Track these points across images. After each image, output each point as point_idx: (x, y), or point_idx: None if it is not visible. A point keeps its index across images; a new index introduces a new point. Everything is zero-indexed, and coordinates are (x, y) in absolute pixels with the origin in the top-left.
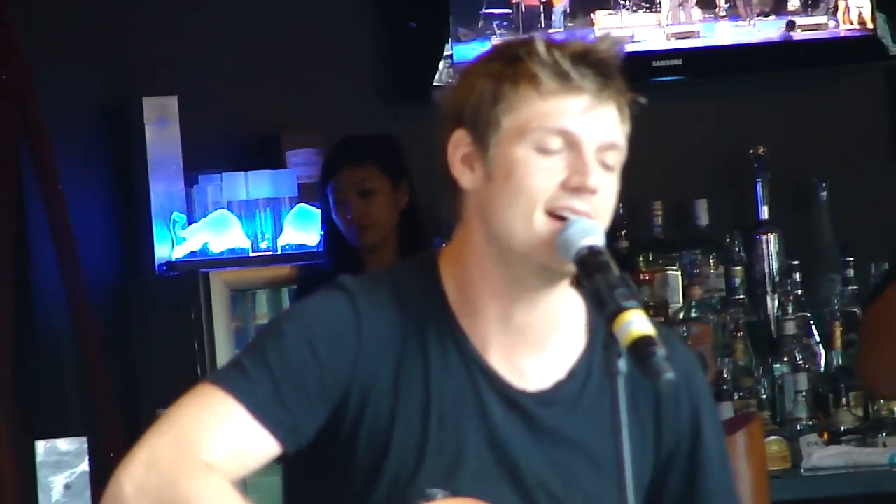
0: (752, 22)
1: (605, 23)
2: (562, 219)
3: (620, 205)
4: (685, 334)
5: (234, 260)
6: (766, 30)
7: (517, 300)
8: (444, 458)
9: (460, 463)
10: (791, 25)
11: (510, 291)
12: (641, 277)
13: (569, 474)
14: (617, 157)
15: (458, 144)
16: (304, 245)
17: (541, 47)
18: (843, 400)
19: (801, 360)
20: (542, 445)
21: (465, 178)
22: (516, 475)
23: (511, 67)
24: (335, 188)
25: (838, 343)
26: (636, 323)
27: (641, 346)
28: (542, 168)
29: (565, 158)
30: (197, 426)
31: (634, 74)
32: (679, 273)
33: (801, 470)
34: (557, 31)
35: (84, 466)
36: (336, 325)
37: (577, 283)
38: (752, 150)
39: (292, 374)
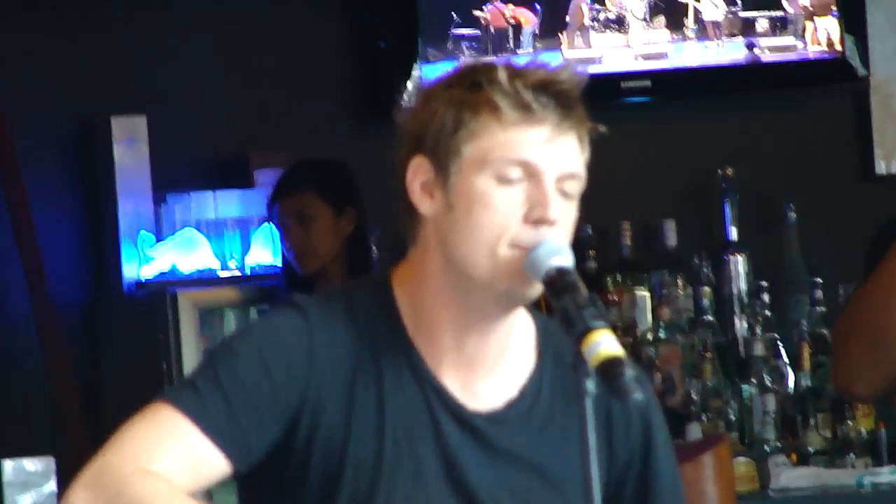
0: (720, 43)
1: (573, 44)
2: (524, 250)
3: (588, 226)
4: (653, 355)
5: (203, 279)
6: (735, 51)
7: (470, 327)
8: (400, 478)
9: (415, 484)
10: (751, 46)
11: (464, 318)
12: (610, 298)
13: (522, 494)
14: (576, 186)
15: (418, 171)
16: (273, 265)
17: (502, 76)
18: (812, 421)
19: (769, 381)
20: (495, 465)
21: (425, 205)
22: (470, 496)
23: (472, 95)
24: (278, 214)
25: (807, 364)
26: (604, 343)
27: (610, 367)
28: (503, 200)
29: (525, 190)
30: (147, 443)
31: (602, 95)
32: (647, 294)
33: (770, 491)
34: (526, 51)
35: (51, 486)
36: (289, 344)
37: (546, 304)
38: (720, 171)
39: (244, 393)
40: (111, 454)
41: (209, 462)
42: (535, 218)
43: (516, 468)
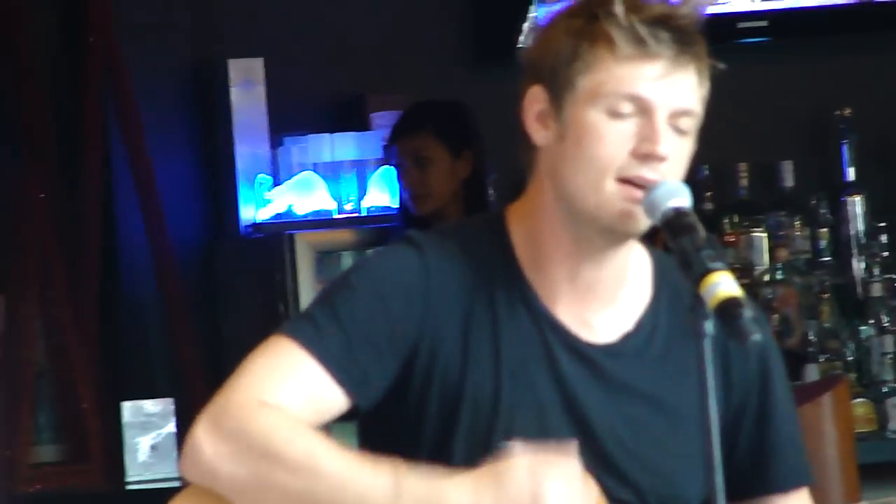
0: None
1: None
2: (631, 184)
3: (705, 167)
4: (770, 296)
5: (320, 222)
6: None
7: (585, 258)
8: (517, 410)
9: (533, 415)
10: None
11: (578, 249)
12: (727, 239)
13: (638, 424)
14: (691, 123)
15: (534, 101)
16: (389, 207)
17: (619, 9)
18: None
19: (887, 321)
20: (611, 397)
21: (539, 135)
22: (586, 426)
23: (589, 26)
24: (395, 155)
25: None
26: (723, 284)
27: (729, 308)
28: (613, 133)
29: (636, 124)
30: (268, 378)
31: (719, 36)
32: (765, 235)
33: (888, 432)
34: None
35: (170, 428)
36: (405, 279)
37: (664, 244)
38: (837, 112)
39: (362, 327)
40: (233, 389)
41: (328, 396)
42: (644, 152)
43: (632, 400)
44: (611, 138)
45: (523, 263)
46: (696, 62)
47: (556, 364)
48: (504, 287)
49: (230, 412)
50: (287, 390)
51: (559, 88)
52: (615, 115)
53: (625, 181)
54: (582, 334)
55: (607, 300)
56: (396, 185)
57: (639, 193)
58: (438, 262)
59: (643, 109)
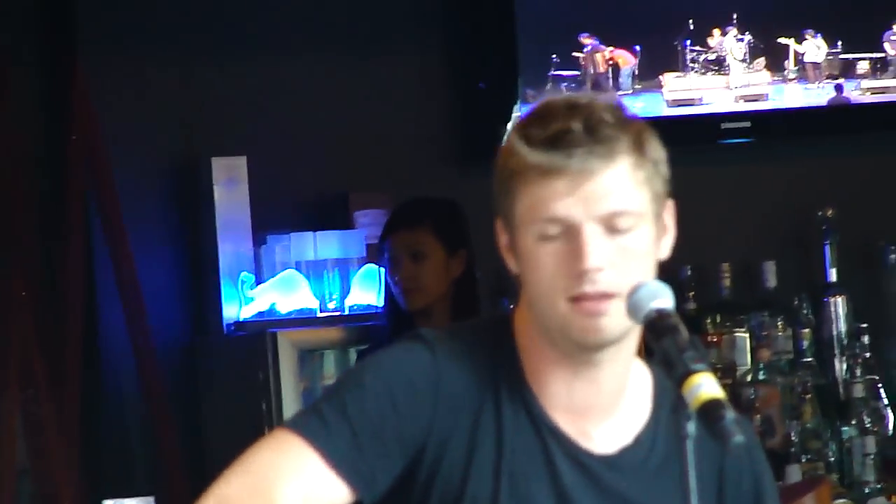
0: (820, 84)
1: (673, 85)
2: (581, 299)
3: (688, 267)
4: (753, 397)
5: (302, 320)
6: (834, 93)
7: (575, 373)
8: None
9: None
10: (840, 89)
11: (568, 363)
12: (709, 340)
13: None
14: (631, 220)
15: (499, 232)
16: (372, 305)
17: (514, 138)
18: None
19: (869, 422)
20: None
21: (510, 263)
22: None
23: (504, 162)
24: (389, 248)
25: None
26: (705, 386)
27: (711, 409)
28: (546, 257)
29: (565, 241)
30: (270, 471)
31: (703, 136)
32: (747, 335)
33: None
34: (626, 92)
35: None
36: (416, 377)
37: (646, 347)
38: (820, 213)
39: (371, 424)
40: (237, 479)
41: (332, 494)
42: (576, 272)
43: None
44: (546, 262)
45: (526, 369)
46: (617, 155)
47: (556, 472)
48: (509, 392)
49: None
50: (290, 485)
51: (507, 219)
52: (545, 238)
53: (573, 299)
54: (582, 444)
55: (606, 413)
56: (381, 283)
57: (589, 306)
58: (449, 362)
59: (566, 227)
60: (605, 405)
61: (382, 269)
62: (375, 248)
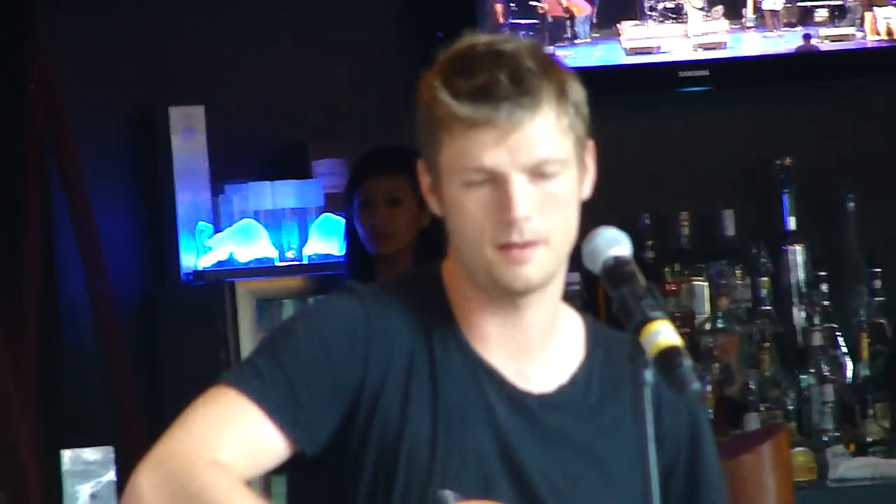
0: (779, 33)
1: (631, 33)
2: (508, 247)
3: (646, 215)
4: (711, 345)
5: (261, 270)
6: (793, 41)
7: (504, 316)
8: (454, 459)
9: (470, 464)
10: (809, 36)
11: (496, 306)
12: (668, 288)
13: (573, 475)
14: (557, 167)
15: (422, 174)
16: (330, 255)
17: (440, 92)
18: (870, 411)
19: (827, 371)
20: (548, 447)
21: (434, 205)
22: (522, 474)
23: (427, 110)
24: (364, 192)
25: (865, 354)
26: (663, 333)
27: (669, 357)
28: (472, 205)
29: (491, 189)
30: (210, 426)
31: (661, 85)
32: (706, 284)
33: (828, 481)
34: (583, 41)
35: (110, 476)
36: (348, 326)
37: (604, 294)
38: (778, 161)
39: (305, 373)
40: (176, 438)
41: (271, 443)
42: (503, 220)
43: (568, 451)
44: (471, 211)
45: (458, 316)
46: (541, 105)
47: (493, 412)
48: (442, 337)
49: (172, 462)
50: (229, 440)
51: (430, 165)
52: (471, 185)
53: (500, 247)
54: (518, 383)
55: (540, 352)
56: (346, 228)
57: (516, 254)
58: (379, 311)
59: (493, 176)
60: (537, 345)
61: (347, 215)
62: (339, 199)
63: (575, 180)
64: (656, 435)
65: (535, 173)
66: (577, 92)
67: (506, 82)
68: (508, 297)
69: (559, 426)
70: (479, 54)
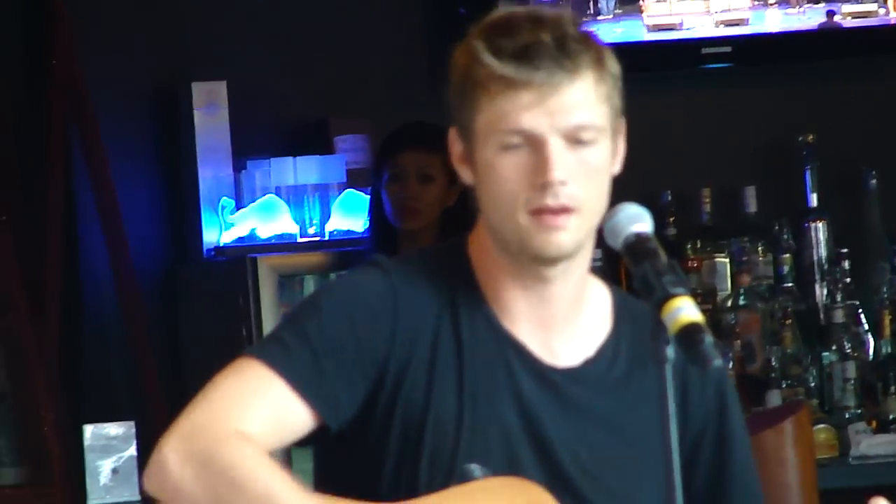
0: (801, 9)
1: (654, 10)
2: (543, 212)
3: (668, 192)
4: (733, 322)
5: (282, 245)
6: (816, 17)
7: (531, 287)
8: (479, 433)
9: (495, 439)
10: (832, 13)
11: (523, 277)
12: (689, 265)
13: (599, 449)
14: (593, 133)
15: (453, 142)
16: (352, 231)
17: (479, 48)
18: (892, 388)
19: (849, 348)
20: (573, 421)
21: (465, 174)
22: (547, 449)
23: (465, 72)
24: (396, 165)
25: (887, 331)
26: (685, 310)
27: (690, 333)
28: (508, 169)
29: (529, 153)
30: (235, 398)
31: (683, 61)
32: (727, 260)
33: (850, 458)
34: (606, 17)
35: (132, 451)
36: (374, 300)
37: (626, 270)
38: (801, 138)
39: (331, 347)
40: (201, 410)
41: (297, 417)
42: (539, 182)
43: (593, 425)
44: (507, 174)
45: (485, 289)
46: (581, 70)
47: (518, 387)
48: (468, 311)
49: (199, 434)
50: (253, 412)
51: (465, 130)
52: (508, 148)
53: (534, 212)
54: (545, 358)
55: (567, 326)
56: (373, 199)
57: (550, 220)
58: (405, 285)
59: (531, 139)
60: (564, 318)
61: (373, 188)
62: (361, 175)
63: (609, 151)
64: (683, 409)
65: (572, 139)
66: (615, 65)
67: (548, 44)
68: (539, 265)
69: (585, 400)
70: (520, 18)
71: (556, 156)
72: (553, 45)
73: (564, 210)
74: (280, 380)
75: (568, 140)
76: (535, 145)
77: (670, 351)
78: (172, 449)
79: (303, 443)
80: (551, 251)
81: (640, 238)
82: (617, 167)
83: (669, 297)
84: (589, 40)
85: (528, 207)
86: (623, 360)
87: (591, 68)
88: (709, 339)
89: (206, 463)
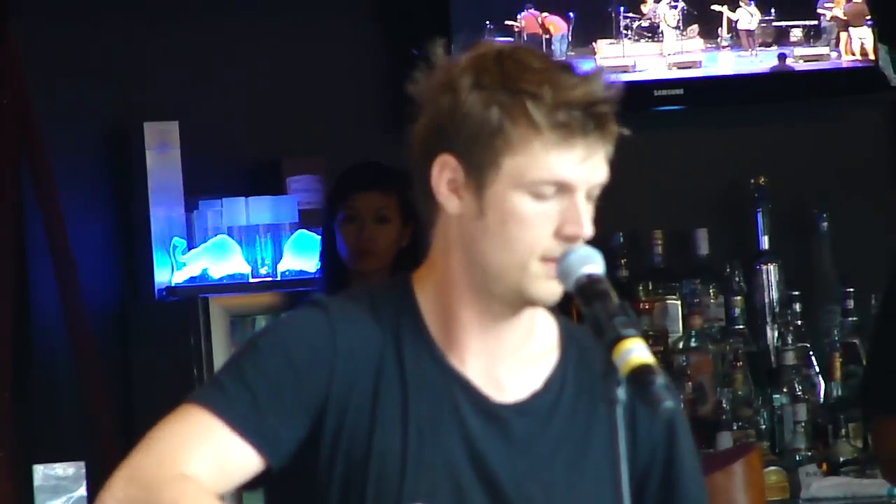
0: (753, 52)
1: (606, 52)
2: (554, 261)
3: (620, 234)
4: (684, 364)
5: (234, 286)
6: (768, 60)
7: (492, 322)
8: (425, 471)
9: (441, 475)
10: (783, 57)
11: (487, 315)
12: (641, 306)
13: (548, 484)
14: (599, 190)
15: (445, 168)
16: (304, 271)
17: (546, 93)
18: (843, 431)
19: (800, 390)
20: (521, 456)
21: (451, 204)
22: (496, 486)
23: (512, 102)
24: (351, 206)
25: (838, 374)
26: (636, 351)
27: (641, 375)
28: (537, 217)
29: (558, 204)
30: (177, 443)
31: (635, 103)
32: (679, 302)
33: (800, 501)
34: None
35: (82, 491)
36: (312, 338)
37: (576, 311)
38: (752, 180)
39: (269, 387)
40: (143, 455)
41: (240, 458)
42: (569, 234)
43: (542, 458)
44: (535, 221)
45: (431, 326)
46: (613, 132)
47: (465, 423)
48: (413, 347)
49: (141, 478)
50: (197, 456)
51: (480, 164)
52: (539, 197)
53: (548, 260)
54: (491, 393)
55: (515, 359)
56: (324, 240)
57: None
58: (345, 322)
59: (565, 191)
60: (512, 352)
61: (325, 228)
62: (313, 215)
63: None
64: (632, 438)
65: (590, 195)
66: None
67: (607, 105)
68: (520, 307)
69: (532, 433)
70: (560, 65)
71: (584, 210)
72: (606, 102)
73: None
74: (220, 422)
75: (587, 196)
76: (568, 197)
77: (621, 392)
78: (115, 492)
79: (251, 486)
80: (549, 298)
81: (591, 279)
82: None
83: (620, 338)
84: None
85: (545, 255)
86: (570, 390)
87: (614, 135)
88: (660, 380)
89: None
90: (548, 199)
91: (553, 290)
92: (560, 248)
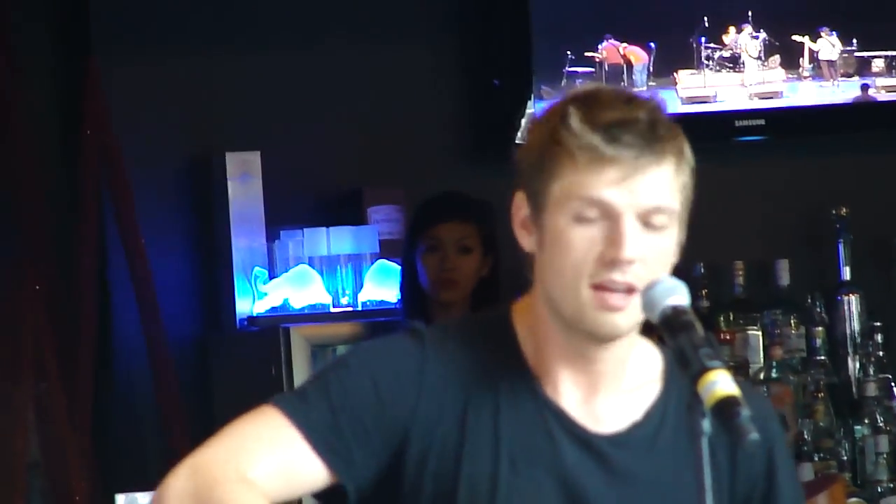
0: (835, 82)
1: (687, 82)
2: (604, 289)
3: (701, 264)
4: (765, 395)
5: (315, 315)
6: (850, 90)
7: (580, 356)
8: (516, 497)
9: (531, 502)
10: (867, 87)
11: (573, 348)
12: (722, 337)
13: None
14: (665, 218)
15: (518, 206)
16: (385, 301)
17: (573, 116)
18: None
19: (882, 421)
20: (616, 487)
21: (525, 240)
22: None
23: (550, 135)
24: (433, 236)
25: None
26: (721, 383)
27: (726, 407)
28: (580, 240)
29: (603, 228)
30: (246, 442)
31: (717, 134)
32: (760, 333)
33: None
34: (640, 89)
35: None
36: (401, 366)
37: (661, 342)
38: (834, 211)
39: (351, 406)
40: (214, 449)
41: (308, 470)
42: (610, 258)
43: (638, 491)
44: (578, 245)
45: (528, 356)
46: (666, 156)
47: (559, 453)
48: (508, 377)
49: (203, 472)
50: (265, 459)
51: (536, 195)
52: (582, 220)
53: (597, 287)
54: (588, 424)
55: (612, 390)
56: (404, 270)
57: (612, 299)
58: (437, 353)
59: (607, 213)
60: (609, 383)
61: (406, 259)
62: (394, 245)
63: (675, 241)
64: (731, 469)
65: (647, 221)
66: (692, 158)
67: (641, 124)
68: (590, 340)
69: (629, 465)
70: (612, 94)
71: (630, 234)
72: (645, 126)
73: (629, 290)
74: (295, 431)
75: (642, 221)
76: (610, 220)
77: (706, 424)
78: (174, 483)
79: (320, 497)
80: (607, 331)
81: (676, 311)
82: (676, 258)
83: (706, 370)
84: (676, 128)
85: (592, 281)
86: (671, 424)
87: (674, 155)
88: (745, 412)
89: (202, 500)
90: (592, 222)
91: (610, 322)
92: (606, 273)
